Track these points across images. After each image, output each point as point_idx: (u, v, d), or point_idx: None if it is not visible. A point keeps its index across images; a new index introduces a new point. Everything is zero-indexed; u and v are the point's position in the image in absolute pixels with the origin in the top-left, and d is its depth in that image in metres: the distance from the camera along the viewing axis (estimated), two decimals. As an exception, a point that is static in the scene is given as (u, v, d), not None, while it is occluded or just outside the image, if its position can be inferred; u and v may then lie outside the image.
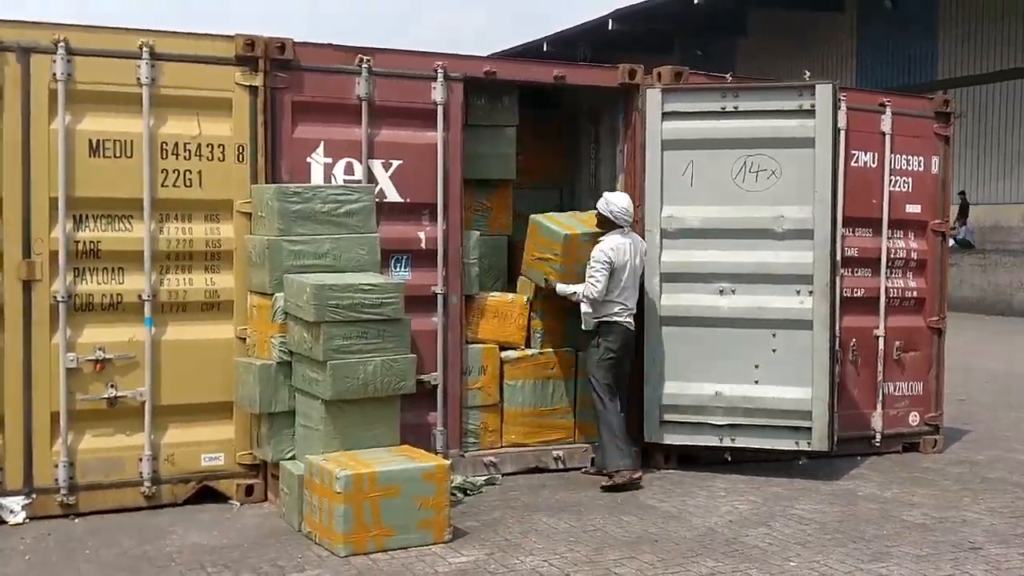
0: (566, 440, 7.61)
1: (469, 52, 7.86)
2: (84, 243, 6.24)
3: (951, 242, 13.21)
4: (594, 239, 7.29)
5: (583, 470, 7.43)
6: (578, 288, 7.21)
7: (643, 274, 7.36)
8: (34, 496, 6.15)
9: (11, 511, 6.08)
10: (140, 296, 6.34)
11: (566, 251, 7.35)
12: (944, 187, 8.59)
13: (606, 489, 6.98)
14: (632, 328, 7.28)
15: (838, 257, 7.55)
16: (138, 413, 6.35)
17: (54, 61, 6.10)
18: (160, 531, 6.00)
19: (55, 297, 6.15)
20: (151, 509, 6.35)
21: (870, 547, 5.90)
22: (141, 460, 6.35)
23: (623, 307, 7.20)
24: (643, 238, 7.44)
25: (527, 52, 28.87)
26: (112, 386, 6.29)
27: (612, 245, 7.16)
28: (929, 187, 8.49)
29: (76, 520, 6.17)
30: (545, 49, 29.83)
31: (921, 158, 8.42)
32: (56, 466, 6.17)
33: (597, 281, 7.09)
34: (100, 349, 6.25)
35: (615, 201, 7.26)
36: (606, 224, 7.26)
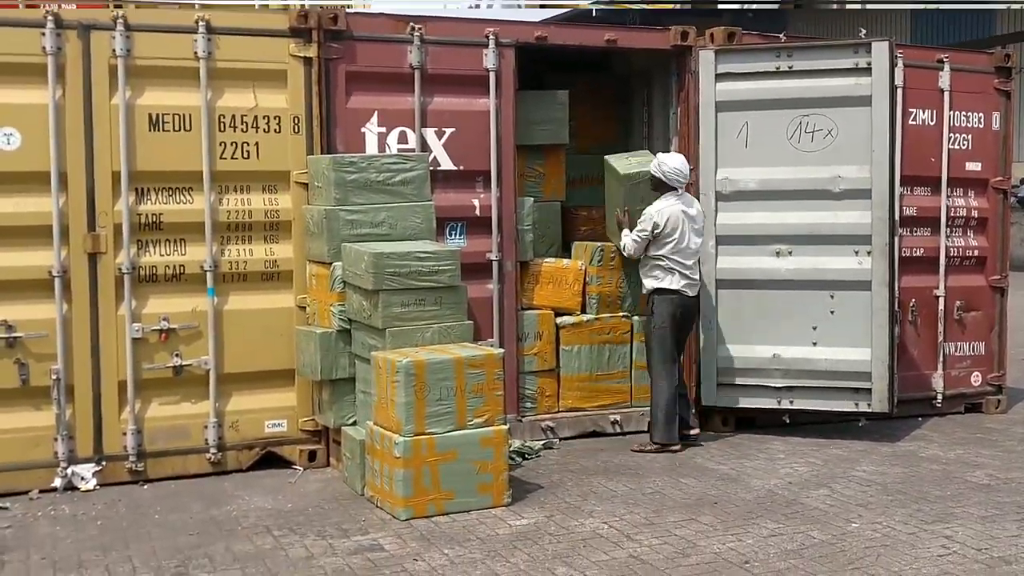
0: (623, 404, 7.62)
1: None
2: (146, 216, 6.36)
3: (1013, 199, 12.83)
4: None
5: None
6: (625, 239, 7.26)
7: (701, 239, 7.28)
8: (104, 463, 6.32)
9: (83, 478, 6.25)
10: (202, 267, 6.45)
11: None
12: (1005, 143, 8.42)
13: (635, 451, 7.12)
14: (690, 295, 7.19)
15: (896, 216, 7.46)
16: (203, 381, 6.49)
17: (113, 37, 6.19)
18: (226, 496, 6.13)
19: (120, 269, 6.29)
20: (216, 475, 6.50)
21: (933, 508, 5.86)
22: (206, 427, 6.49)
23: (679, 274, 7.09)
24: (698, 200, 7.40)
25: (577, 17, 28.60)
26: (177, 355, 6.43)
27: (659, 207, 7.08)
28: (990, 144, 8.33)
29: (145, 486, 6.33)
30: (594, 14, 29.53)
31: (981, 114, 8.25)
32: (125, 434, 6.33)
33: (634, 241, 7.14)
34: (164, 319, 6.39)
35: (667, 162, 7.15)
36: (661, 187, 7.16)
